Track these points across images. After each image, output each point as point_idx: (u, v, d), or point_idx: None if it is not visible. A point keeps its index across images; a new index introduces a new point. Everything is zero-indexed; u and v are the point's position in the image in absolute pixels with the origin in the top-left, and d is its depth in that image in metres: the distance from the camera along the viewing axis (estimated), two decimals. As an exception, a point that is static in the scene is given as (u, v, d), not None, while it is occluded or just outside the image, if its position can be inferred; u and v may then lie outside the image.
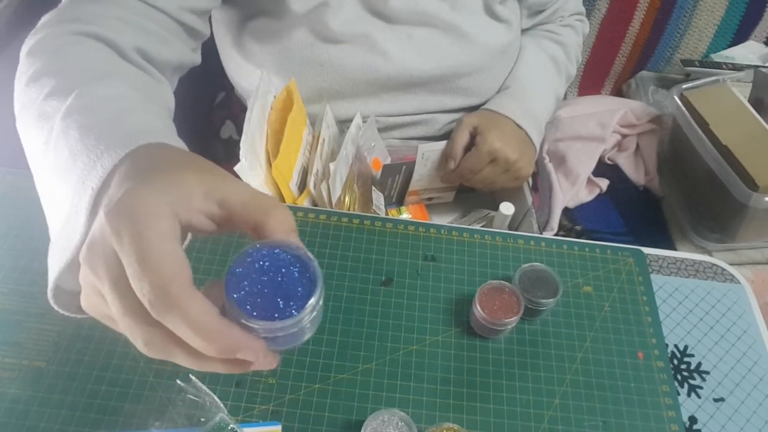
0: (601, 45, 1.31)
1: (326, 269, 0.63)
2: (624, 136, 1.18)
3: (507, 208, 0.81)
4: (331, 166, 0.70)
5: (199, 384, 0.52)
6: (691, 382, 0.59)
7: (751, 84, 1.11)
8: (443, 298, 0.62)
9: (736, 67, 1.21)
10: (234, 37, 0.77)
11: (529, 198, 0.88)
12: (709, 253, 1.02)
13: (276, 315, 0.30)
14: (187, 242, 0.37)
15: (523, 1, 0.83)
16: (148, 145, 0.36)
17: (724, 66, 1.23)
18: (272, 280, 0.31)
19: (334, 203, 0.71)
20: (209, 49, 0.82)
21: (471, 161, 0.78)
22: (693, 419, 0.57)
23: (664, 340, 0.61)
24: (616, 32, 1.29)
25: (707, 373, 0.60)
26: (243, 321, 0.29)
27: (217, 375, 0.54)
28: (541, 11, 0.89)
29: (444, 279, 0.63)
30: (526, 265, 0.60)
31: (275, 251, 0.32)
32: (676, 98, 1.06)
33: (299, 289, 0.30)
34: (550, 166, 1.11)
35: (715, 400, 0.58)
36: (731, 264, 0.69)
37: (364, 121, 0.78)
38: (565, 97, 1.36)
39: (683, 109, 1.04)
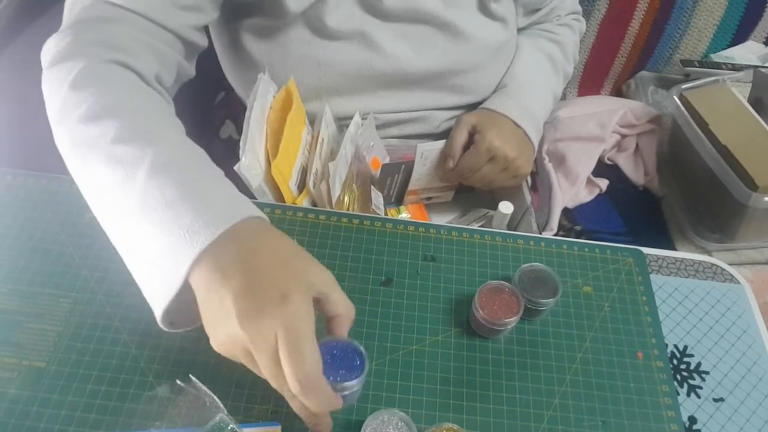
0: (600, 45, 1.31)
1: (326, 269, 0.63)
2: (623, 136, 1.18)
3: (506, 207, 0.81)
4: (331, 165, 0.70)
5: (199, 384, 0.52)
6: (691, 382, 0.59)
7: (750, 84, 1.11)
8: (443, 298, 0.62)
9: (736, 68, 1.21)
10: (231, 36, 0.78)
11: (528, 197, 0.88)
12: (709, 253, 1.02)
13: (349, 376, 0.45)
14: None
15: (518, 0, 0.83)
16: (247, 219, 0.44)
17: (724, 66, 1.23)
18: (338, 357, 0.46)
19: (333, 203, 0.71)
20: (209, 49, 0.82)
21: (470, 159, 0.78)
22: (692, 419, 0.57)
23: (664, 340, 0.61)
24: (616, 32, 1.29)
25: (707, 373, 0.60)
26: (330, 381, 0.43)
27: (216, 375, 0.54)
28: (537, 10, 0.89)
29: (444, 279, 0.63)
30: (525, 265, 0.60)
31: (337, 342, 0.46)
32: (676, 98, 1.06)
33: (357, 362, 0.46)
34: (549, 166, 1.11)
35: (715, 400, 0.58)
36: (731, 264, 0.70)
37: (363, 118, 0.78)
38: (564, 97, 1.36)
39: (683, 109, 1.04)
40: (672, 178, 1.14)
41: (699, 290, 0.66)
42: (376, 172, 0.81)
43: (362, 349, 0.46)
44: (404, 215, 0.89)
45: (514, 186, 0.87)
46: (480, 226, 0.79)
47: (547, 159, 1.12)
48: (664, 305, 0.64)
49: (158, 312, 0.44)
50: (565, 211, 1.08)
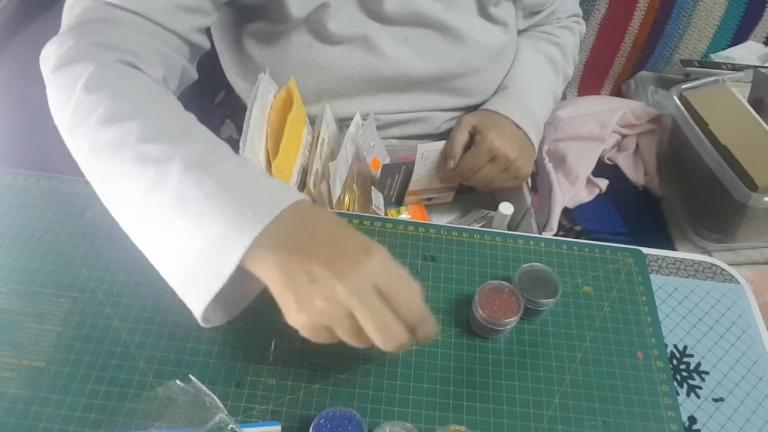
0: (600, 45, 1.31)
1: (326, 269, 0.63)
2: (623, 136, 1.18)
3: (506, 208, 0.81)
4: (331, 165, 0.70)
5: (199, 384, 0.52)
6: (691, 382, 0.59)
7: (750, 84, 1.11)
8: (443, 298, 0.62)
9: (736, 68, 1.21)
10: (233, 38, 0.78)
11: (528, 198, 0.88)
12: (709, 253, 1.02)
13: None
14: None
15: (518, 3, 0.83)
16: (301, 202, 0.46)
17: (724, 66, 1.23)
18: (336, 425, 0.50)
19: (333, 203, 0.71)
20: (208, 50, 0.82)
21: (470, 160, 0.78)
22: (692, 419, 0.57)
23: (664, 340, 0.61)
24: (616, 32, 1.29)
25: (706, 373, 0.60)
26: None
27: (217, 375, 0.54)
28: (537, 12, 0.89)
29: (444, 279, 0.63)
30: (525, 265, 0.60)
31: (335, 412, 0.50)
32: (676, 98, 1.06)
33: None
34: (549, 166, 1.11)
35: (715, 400, 0.58)
36: (731, 264, 0.70)
37: (364, 119, 0.78)
38: (564, 97, 1.36)
39: (683, 109, 1.04)
40: (672, 178, 1.14)
41: (699, 290, 0.66)
42: (377, 173, 0.81)
43: (358, 417, 0.50)
44: (404, 215, 0.89)
45: (515, 187, 0.87)
46: (480, 227, 0.79)
47: (547, 159, 1.12)
48: (664, 305, 0.64)
49: (201, 305, 0.46)
50: (565, 211, 1.08)
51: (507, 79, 0.86)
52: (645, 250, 0.69)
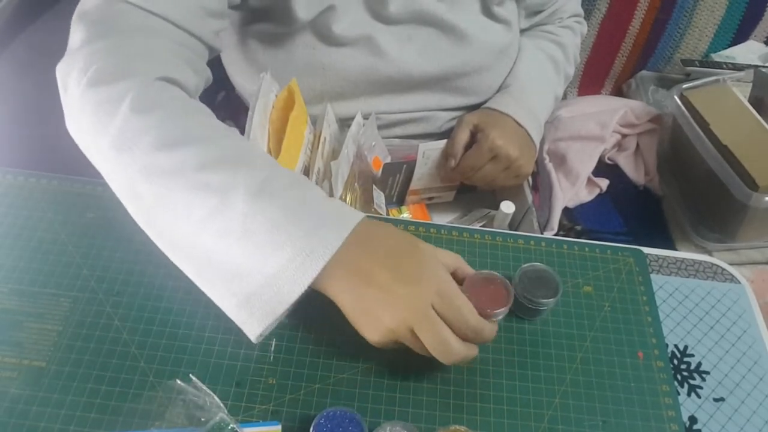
0: (601, 44, 1.31)
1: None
2: (624, 135, 1.18)
3: (507, 207, 0.81)
4: (333, 165, 0.70)
5: (200, 384, 0.52)
6: (691, 382, 0.59)
7: (751, 84, 1.11)
8: (443, 297, 0.62)
9: (737, 67, 1.21)
10: (238, 39, 0.78)
11: (530, 197, 0.88)
12: (709, 252, 1.02)
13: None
14: None
15: (520, 2, 0.83)
16: (363, 222, 0.49)
17: (725, 66, 1.23)
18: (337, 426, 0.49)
19: (334, 202, 0.71)
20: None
21: (472, 158, 0.78)
22: (693, 419, 0.57)
23: (664, 340, 0.61)
24: (616, 32, 1.29)
25: (707, 373, 0.60)
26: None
27: (217, 375, 0.54)
28: (539, 12, 0.89)
29: (444, 279, 0.63)
30: (526, 264, 0.60)
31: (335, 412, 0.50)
32: (677, 98, 1.06)
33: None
34: (550, 166, 1.11)
35: (715, 400, 0.58)
36: (731, 264, 0.69)
37: (365, 118, 0.78)
38: (565, 97, 1.36)
39: (683, 108, 1.04)
40: (672, 177, 1.14)
41: (699, 290, 0.66)
42: (378, 172, 0.81)
43: (359, 417, 0.51)
44: (406, 215, 0.89)
45: (516, 185, 0.87)
46: (481, 226, 0.79)
47: (547, 159, 1.12)
48: (665, 305, 0.64)
49: (261, 328, 0.48)
50: (566, 211, 1.08)
51: (509, 78, 0.86)
52: (645, 249, 0.69)
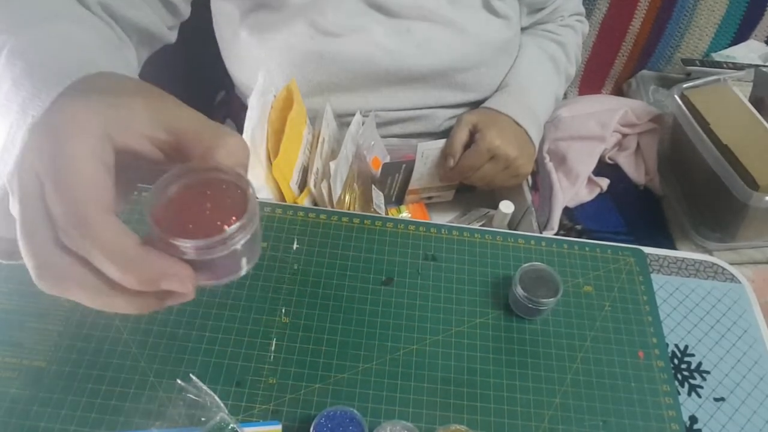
0: (601, 44, 1.31)
1: (326, 269, 0.63)
2: (624, 135, 1.18)
3: (507, 207, 0.81)
4: (332, 164, 0.70)
5: (200, 384, 0.52)
6: (692, 381, 0.59)
7: (751, 83, 1.11)
8: (443, 297, 0.62)
9: (737, 67, 1.21)
10: (234, 30, 0.77)
11: (529, 197, 0.88)
12: (710, 252, 1.02)
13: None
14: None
15: None
16: (100, 74, 0.33)
17: (725, 65, 1.23)
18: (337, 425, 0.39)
19: (334, 202, 0.71)
20: (209, 49, 0.82)
21: (471, 158, 0.78)
22: (693, 419, 0.57)
23: (665, 340, 0.61)
24: (617, 31, 1.29)
25: (708, 372, 0.60)
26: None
27: (217, 374, 0.54)
28: (541, 9, 0.89)
29: (444, 278, 0.63)
30: (526, 264, 0.60)
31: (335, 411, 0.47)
32: (677, 97, 1.06)
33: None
34: (550, 166, 1.11)
35: (716, 400, 0.58)
36: (732, 263, 0.69)
37: (365, 116, 0.78)
38: (565, 97, 1.36)
39: (684, 108, 1.04)
40: (673, 177, 1.14)
41: (700, 290, 0.66)
42: (377, 172, 0.81)
43: (359, 416, 0.50)
44: (405, 214, 0.89)
45: (515, 185, 0.87)
46: (481, 226, 0.79)
47: (547, 158, 1.12)
48: (665, 305, 0.64)
49: None
50: (566, 211, 1.08)
51: (508, 77, 0.86)
52: (646, 249, 0.69)
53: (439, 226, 0.68)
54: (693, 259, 0.69)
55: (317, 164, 0.74)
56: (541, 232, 0.88)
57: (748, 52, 1.27)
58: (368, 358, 0.56)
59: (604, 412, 0.56)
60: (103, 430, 0.50)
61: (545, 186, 1.07)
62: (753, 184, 0.91)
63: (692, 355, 0.61)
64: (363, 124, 0.77)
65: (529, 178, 0.90)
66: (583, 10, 0.97)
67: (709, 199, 1.03)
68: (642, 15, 1.25)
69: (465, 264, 0.65)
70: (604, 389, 0.57)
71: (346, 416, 0.50)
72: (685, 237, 1.06)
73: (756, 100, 1.07)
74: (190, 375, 0.53)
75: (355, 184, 0.77)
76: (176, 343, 0.56)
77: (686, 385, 0.59)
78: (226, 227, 0.28)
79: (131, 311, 0.29)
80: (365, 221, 0.67)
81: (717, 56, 1.28)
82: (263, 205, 0.67)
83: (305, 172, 0.75)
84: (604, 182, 1.12)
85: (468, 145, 0.79)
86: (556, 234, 1.03)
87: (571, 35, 0.93)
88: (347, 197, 0.75)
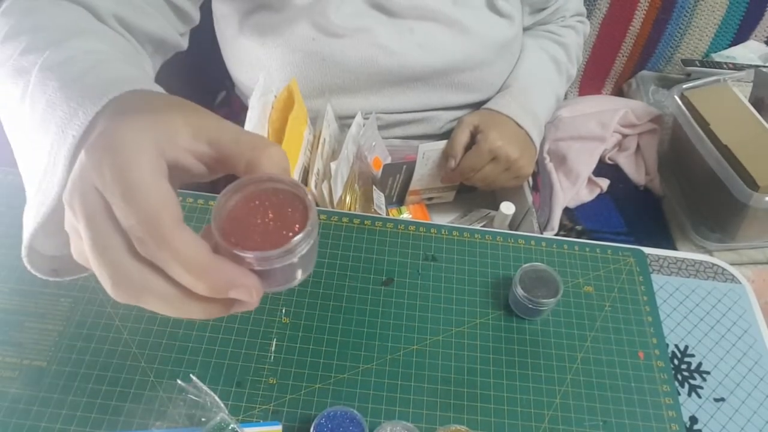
0: (601, 44, 1.31)
1: (327, 269, 0.63)
2: (624, 135, 1.18)
3: (507, 208, 0.81)
4: (332, 165, 0.70)
5: (200, 384, 0.52)
6: (692, 382, 0.59)
7: (751, 84, 1.11)
8: (444, 297, 0.62)
9: (737, 67, 1.21)
10: (235, 31, 0.77)
11: (530, 197, 0.88)
12: (710, 252, 1.02)
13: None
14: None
15: None
16: (133, 91, 0.34)
17: (725, 66, 1.23)
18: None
19: (335, 202, 0.71)
20: (209, 49, 0.82)
21: (472, 159, 0.78)
22: (693, 419, 0.57)
23: (665, 340, 0.61)
24: (617, 32, 1.29)
25: (708, 373, 0.60)
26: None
27: (218, 375, 0.54)
28: (543, 9, 0.89)
29: (445, 279, 0.63)
30: (526, 264, 0.60)
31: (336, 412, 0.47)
32: (677, 98, 1.06)
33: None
34: (550, 166, 1.11)
35: (716, 400, 0.58)
36: (732, 264, 0.69)
37: (365, 118, 0.78)
38: (565, 97, 1.36)
39: (684, 108, 1.04)
40: (673, 177, 1.14)
41: (700, 290, 0.66)
42: (378, 172, 0.81)
43: (359, 416, 0.50)
44: (406, 215, 0.89)
45: (516, 186, 0.87)
46: (481, 227, 0.79)
47: (548, 158, 1.12)
48: (665, 305, 0.64)
49: (27, 234, 0.35)
50: (566, 211, 1.08)
51: (510, 78, 0.86)
52: (646, 249, 0.69)
53: (439, 227, 0.68)
54: (693, 260, 0.69)
55: (318, 165, 0.74)
56: (541, 233, 0.88)
57: (748, 52, 1.27)
58: (368, 358, 0.56)
59: (604, 412, 0.56)
60: (104, 430, 0.50)
61: (545, 186, 1.07)
62: (753, 185, 0.91)
63: (692, 355, 0.61)
64: (364, 125, 0.77)
65: (530, 178, 0.90)
66: (584, 10, 0.97)
67: (709, 200, 1.03)
68: (642, 15, 1.25)
69: (465, 264, 0.65)
70: (604, 389, 0.57)
71: (346, 416, 0.50)
72: (685, 237, 1.06)
73: (756, 101, 1.07)
74: (191, 375, 0.53)
75: (356, 184, 0.77)
76: (176, 343, 0.56)
77: (686, 386, 0.59)
78: (291, 236, 0.29)
79: (201, 317, 0.30)
80: (365, 221, 0.68)
81: (717, 56, 1.28)
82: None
83: (306, 172, 0.75)
84: (605, 182, 1.12)
85: (469, 146, 0.79)
86: (556, 234, 1.03)
87: (573, 36, 0.93)
88: (348, 198, 0.75)
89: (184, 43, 0.63)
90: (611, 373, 0.58)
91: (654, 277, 0.66)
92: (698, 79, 1.11)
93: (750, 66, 1.19)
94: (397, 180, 0.85)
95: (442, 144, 0.81)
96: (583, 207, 1.11)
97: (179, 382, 0.53)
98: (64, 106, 0.34)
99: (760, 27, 1.27)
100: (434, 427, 0.53)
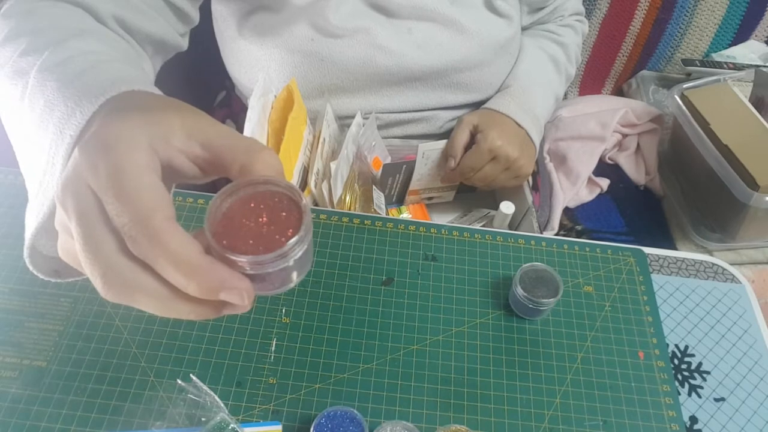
0: (601, 44, 1.31)
1: (327, 269, 0.63)
2: (624, 135, 1.18)
3: (507, 208, 0.81)
4: (332, 165, 0.70)
5: (200, 384, 0.52)
6: (692, 381, 0.59)
7: (752, 83, 1.11)
8: (444, 297, 0.62)
9: (737, 67, 1.21)
10: (234, 32, 0.77)
11: (530, 197, 0.88)
12: (710, 252, 1.02)
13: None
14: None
15: None
16: (130, 91, 0.34)
17: (725, 65, 1.23)
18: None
19: (335, 202, 0.71)
20: (209, 49, 0.82)
21: (471, 159, 0.78)
22: (693, 419, 0.57)
23: (665, 340, 0.61)
24: (617, 31, 1.29)
25: (708, 372, 0.60)
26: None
27: (218, 375, 0.54)
28: (541, 8, 0.89)
29: (444, 279, 0.63)
30: (526, 264, 0.60)
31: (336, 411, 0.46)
32: (677, 98, 1.06)
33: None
34: (550, 166, 1.11)
35: (716, 400, 0.58)
36: (732, 264, 0.70)
37: (365, 118, 0.78)
38: (565, 97, 1.36)
39: (684, 108, 1.04)
40: (673, 177, 1.14)
41: (700, 290, 0.66)
42: (378, 172, 0.81)
43: (359, 416, 0.50)
44: (405, 215, 0.89)
45: (516, 186, 0.87)
46: (481, 226, 0.79)
47: (548, 158, 1.12)
48: (665, 305, 0.64)
49: (28, 234, 0.34)
50: (566, 211, 1.08)
51: (509, 78, 0.86)
52: (646, 249, 0.69)
53: (439, 226, 0.68)
54: (693, 260, 0.69)
55: (318, 164, 0.74)
56: (541, 232, 0.88)
57: (748, 52, 1.27)
58: (368, 358, 0.56)
59: (604, 412, 0.56)
60: (104, 430, 0.50)
61: (545, 186, 1.07)
62: (753, 184, 0.91)
63: (692, 355, 0.61)
64: (364, 124, 0.77)
65: (530, 178, 0.90)
66: (582, 9, 0.97)
67: (709, 199, 1.03)
68: (642, 15, 1.25)
69: (465, 264, 0.65)
70: (604, 389, 0.57)
71: (346, 416, 0.50)
72: (685, 237, 1.06)
73: (756, 100, 1.07)
74: (191, 375, 0.53)
75: (355, 184, 0.77)
76: (176, 343, 0.56)
77: (686, 386, 0.59)
78: (285, 241, 0.28)
79: (191, 318, 0.30)
80: (365, 221, 0.68)
81: (717, 56, 1.28)
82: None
83: (306, 172, 0.75)
84: (605, 182, 1.12)
85: (469, 146, 0.79)
86: (556, 234, 1.03)
87: (572, 35, 0.93)
88: (348, 197, 0.75)
89: (184, 44, 0.63)
90: (611, 373, 0.58)
91: (654, 276, 0.66)
92: (698, 78, 1.11)
93: (750, 66, 1.19)
94: (396, 180, 0.85)
95: (441, 144, 0.81)
96: (583, 207, 1.10)
97: (179, 382, 0.53)
98: (62, 106, 0.34)
99: (761, 27, 1.27)
100: (434, 427, 0.53)
